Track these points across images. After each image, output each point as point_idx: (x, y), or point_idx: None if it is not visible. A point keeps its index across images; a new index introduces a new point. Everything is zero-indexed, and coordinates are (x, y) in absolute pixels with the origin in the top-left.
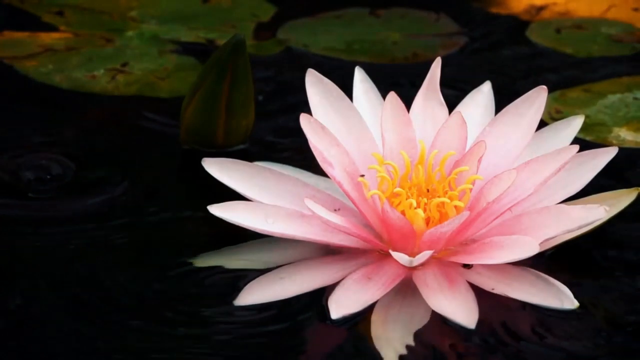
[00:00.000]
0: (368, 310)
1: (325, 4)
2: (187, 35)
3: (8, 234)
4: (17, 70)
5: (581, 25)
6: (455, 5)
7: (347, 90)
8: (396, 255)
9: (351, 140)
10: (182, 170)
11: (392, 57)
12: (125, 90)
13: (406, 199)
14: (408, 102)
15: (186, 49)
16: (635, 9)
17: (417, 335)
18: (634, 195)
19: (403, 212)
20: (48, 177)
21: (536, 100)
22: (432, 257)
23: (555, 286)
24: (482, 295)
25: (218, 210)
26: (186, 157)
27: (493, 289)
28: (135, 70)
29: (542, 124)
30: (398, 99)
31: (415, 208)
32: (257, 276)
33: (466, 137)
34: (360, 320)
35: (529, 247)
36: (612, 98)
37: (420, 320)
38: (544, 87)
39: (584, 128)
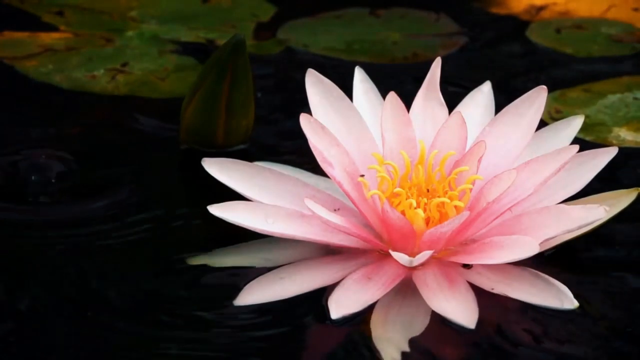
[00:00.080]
0: (368, 310)
1: (325, 4)
2: (187, 35)
3: (8, 235)
4: (17, 70)
5: (581, 25)
6: (455, 5)
7: (347, 90)
8: (396, 255)
9: (351, 140)
10: (182, 170)
11: (392, 57)
12: (125, 90)
13: (406, 199)
14: (408, 102)
15: (186, 49)
16: (635, 9)
17: (417, 335)
18: (634, 195)
19: (403, 212)
20: (47, 177)
21: (536, 100)
22: (432, 257)
23: (555, 286)
24: (482, 295)
25: (218, 210)
26: (186, 157)
27: (493, 289)
28: (135, 70)
29: (542, 124)
30: (398, 99)
31: (415, 208)
32: (257, 276)
33: (466, 137)
34: (360, 320)
35: (529, 247)
36: (612, 98)
37: (420, 320)
38: (544, 87)
39: (584, 128)
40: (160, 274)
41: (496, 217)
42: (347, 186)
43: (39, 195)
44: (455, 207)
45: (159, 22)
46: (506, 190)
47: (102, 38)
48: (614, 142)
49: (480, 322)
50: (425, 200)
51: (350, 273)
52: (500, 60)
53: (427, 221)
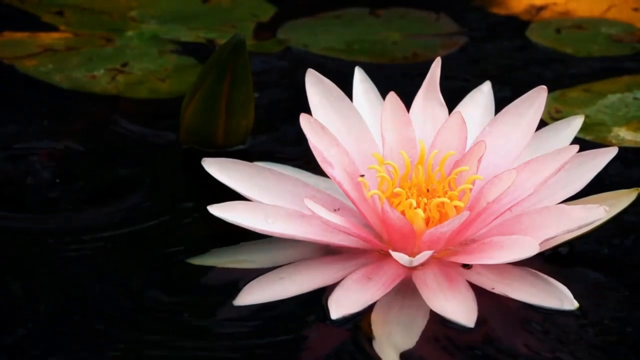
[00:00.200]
0: (368, 310)
1: (325, 4)
2: (187, 35)
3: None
4: (17, 70)
5: (581, 25)
6: (455, 5)
7: (347, 90)
8: (396, 255)
9: (351, 140)
10: (182, 170)
11: (392, 57)
12: (125, 90)
13: (406, 199)
14: (408, 102)
15: (186, 49)
16: (635, 9)
17: (417, 335)
18: (634, 195)
19: (403, 212)
20: (46, 177)
21: (536, 100)
22: (432, 257)
23: (555, 286)
24: (482, 295)
25: (218, 210)
26: (186, 157)
27: (493, 289)
28: (135, 70)
29: (542, 124)
30: (398, 99)
31: (415, 208)
32: (257, 276)
33: (466, 137)
34: (360, 320)
35: (529, 247)
36: (612, 98)
37: (420, 320)
38: (544, 87)
39: (584, 128)
40: (159, 274)
41: (496, 217)
42: (347, 186)
43: (38, 195)
44: (455, 207)
45: (159, 22)
46: (506, 190)
47: (102, 38)
48: (614, 141)
49: (480, 322)
50: (425, 200)
51: (350, 273)
52: (500, 61)
53: (427, 221)
